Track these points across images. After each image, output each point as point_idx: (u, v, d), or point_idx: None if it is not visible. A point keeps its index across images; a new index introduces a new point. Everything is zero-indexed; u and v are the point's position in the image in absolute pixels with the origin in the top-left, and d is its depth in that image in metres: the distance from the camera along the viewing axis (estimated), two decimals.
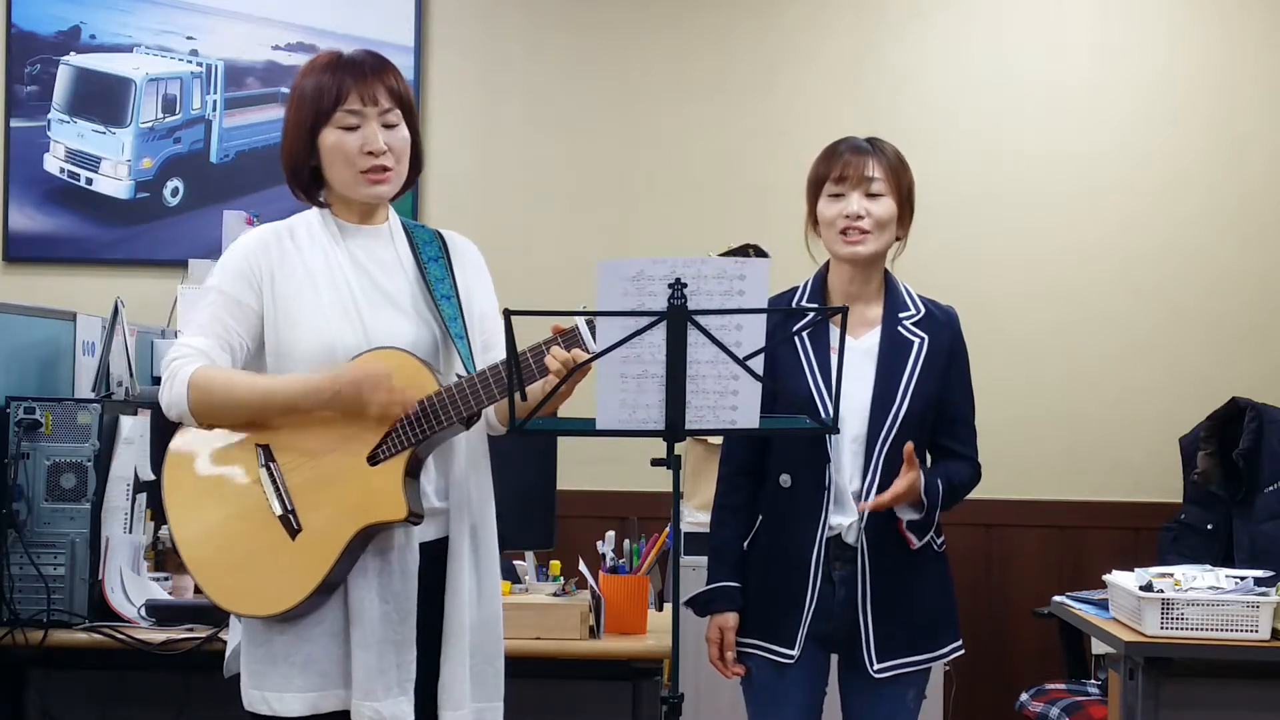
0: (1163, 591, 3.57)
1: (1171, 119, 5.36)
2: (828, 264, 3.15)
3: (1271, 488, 4.65)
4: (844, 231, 3.04)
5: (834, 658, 3.11)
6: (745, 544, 3.10)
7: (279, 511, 2.66)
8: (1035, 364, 5.36)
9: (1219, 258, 5.34)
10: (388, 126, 2.72)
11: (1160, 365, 5.33)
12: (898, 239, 3.13)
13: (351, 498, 2.63)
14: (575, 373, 2.55)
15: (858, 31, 5.43)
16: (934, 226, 5.37)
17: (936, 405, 3.09)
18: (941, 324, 3.12)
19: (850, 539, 3.02)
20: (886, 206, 3.06)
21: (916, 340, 3.08)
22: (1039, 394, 5.35)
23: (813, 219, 3.13)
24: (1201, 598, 3.56)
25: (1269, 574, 3.67)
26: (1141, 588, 3.60)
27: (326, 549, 2.63)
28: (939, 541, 3.11)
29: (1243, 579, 3.62)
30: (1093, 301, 5.36)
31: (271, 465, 2.67)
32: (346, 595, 2.67)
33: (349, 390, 2.61)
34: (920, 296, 3.15)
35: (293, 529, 2.65)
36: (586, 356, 2.54)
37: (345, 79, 2.72)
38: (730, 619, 3.07)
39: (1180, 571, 3.67)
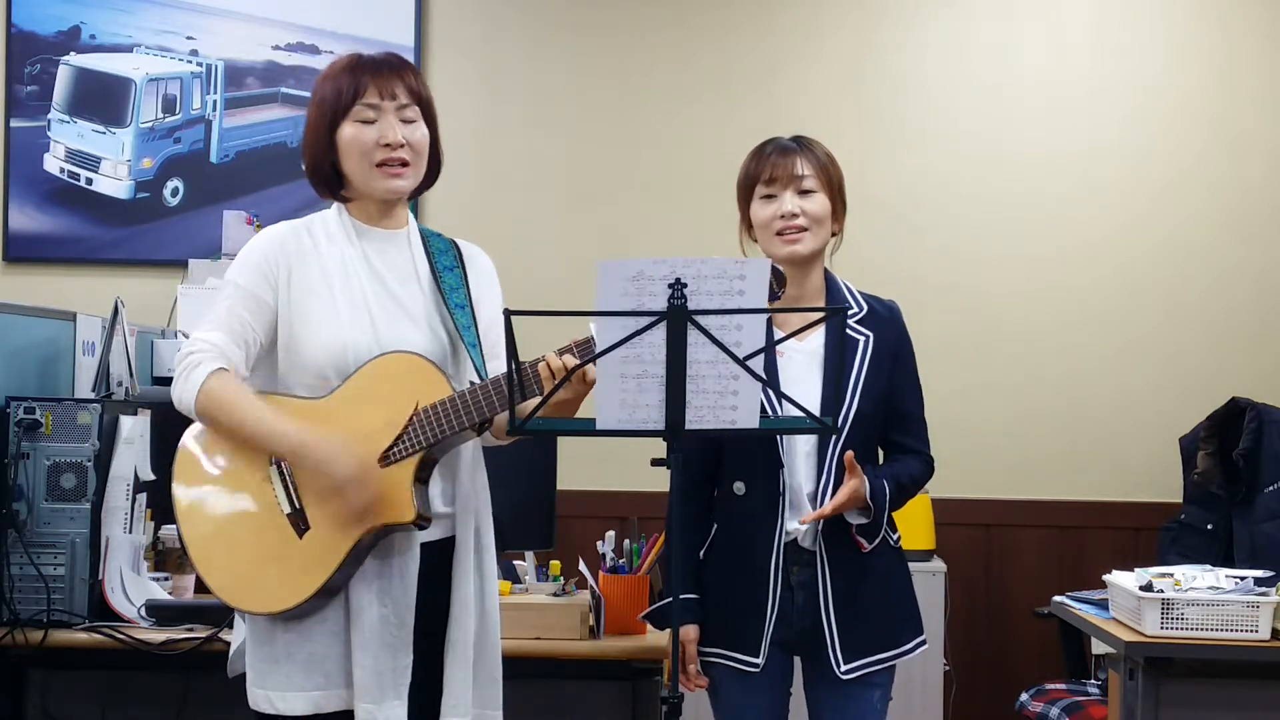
0: (1163, 591, 3.57)
1: (1171, 119, 5.37)
2: None
3: (1271, 488, 4.65)
4: (780, 232, 3.02)
5: (797, 661, 3.08)
6: (701, 554, 3.07)
7: (287, 510, 2.66)
8: (1035, 364, 5.36)
9: (1219, 258, 5.34)
10: (405, 123, 2.74)
11: (1160, 365, 5.33)
12: (834, 235, 3.10)
13: (360, 499, 2.63)
14: (568, 379, 2.56)
15: (858, 32, 5.43)
16: (934, 226, 5.40)
17: (886, 402, 3.07)
18: (885, 320, 3.09)
19: (807, 543, 2.99)
20: (820, 203, 3.03)
21: (862, 339, 3.04)
22: (1039, 394, 5.35)
23: (746, 223, 3.11)
24: (1201, 598, 3.56)
25: (1269, 574, 3.67)
26: (1141, 588, 3.60)
27: (333, 550, 2.64)
28: (894, 538, 3.09)
29: (1243, 579, 3.62)
30: (1093, 301, 5.36)
31: (282, 463, 2.67)
32: (347, 596, 2.68)
33: (329, 471, 2.62)
34: (861, 293, 3.11)
35: (300, 528, 2.65)
36: (575, 362, 2.55)
37: (364, 75, 2.73)
38: (691, 632, 3.02)
39: (1180, 571, 3.66)
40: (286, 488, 2.67)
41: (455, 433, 2.64)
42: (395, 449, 2.65)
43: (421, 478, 2.67)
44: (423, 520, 2.65)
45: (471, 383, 2.69)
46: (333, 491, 2.62)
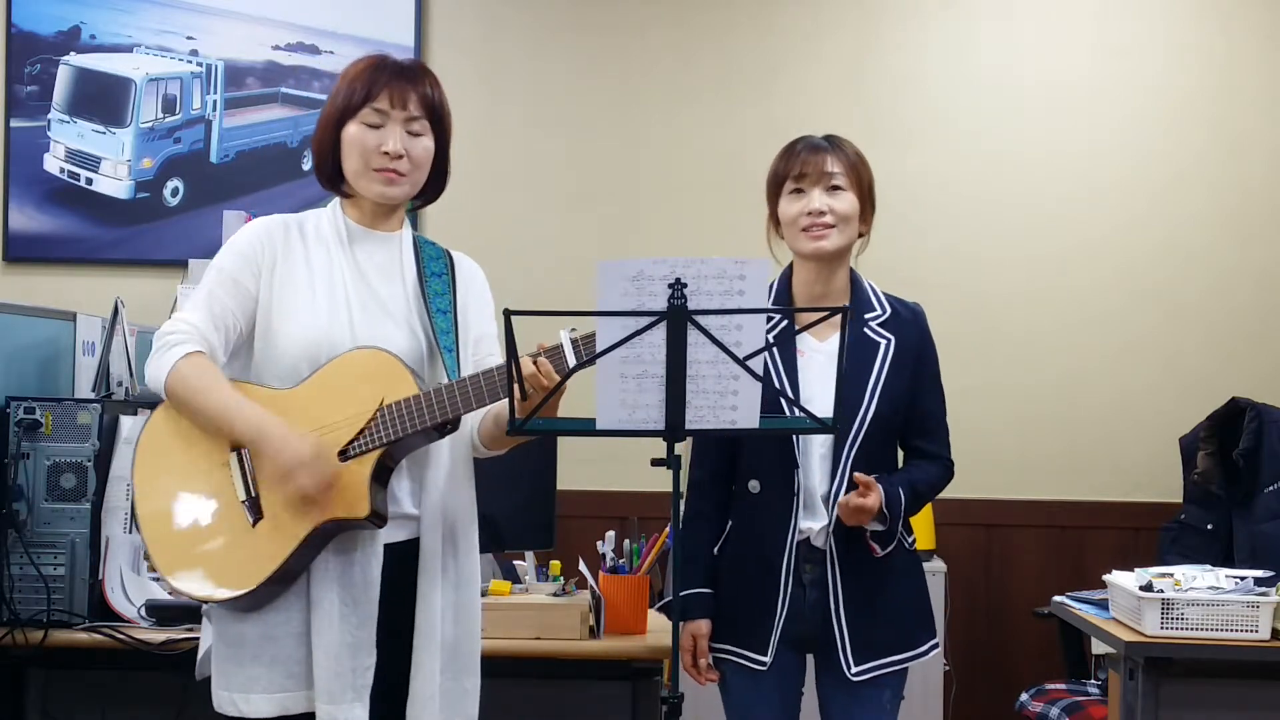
0: (1163, 591, 3.57)
1: (1171, 119, 5.37)
2: (791, 265, 3.13)
3: (1271, 488, 4.65)
4: (807, 229, 3.03)
5: (810, 659, 3.09)
6: (716, 550, 3.09)
7: (242, 497, 2.66)
8: (1035, 364, 5.36)
9: (1219, 258, 5.34)
10: (411, 135, 2.74)
11: (1160, 365, 5.33)
12: (860, 235, 3.10)
13: (312, 483, 2.61)
14: (564, 383, 2.55)
15: (858, 32, 5.43)
16: (934, 226, 5.40)
17: (906, 405, 3.07)
18: (908, 323, 3.10)
19: (819, 543, 3.00)
20: (848, 201, 3.04)
21: (883, 341, 3.05)
22: (1039, 394, 5.35)
23: (774, 220, 3.11)
24: (1201, 598, 3.56)
25: (1269, 574, 3.67)
26: (1141, 588, 3.60)
27: (284, 539, 2.62)
28: (909, 540, 3.09)
29: (1243, 579, 3.62)
30: (1093, 302, 5.36)
31: (242, 451, 2.67)
32: (309, 595, 2.66)
33: (283, 452, 2.60)
34: (887, 295, 3.12)
35: (254, 516, 2.65)
36: (556, 376, 2.54)
37: (379, 80, 2.74)
38: (703, 626, 3.04)
39: (1180, 571, 3.67)
40: (244, 475, 2.66)
41: (415, 432, 2.64)
42: (355, 444, 2.64)
43: (381, 474, 2.66)
44: (377, 517, 2.63)
45: (439, 384, 2.68)
46: (286, 476, 2.61)
